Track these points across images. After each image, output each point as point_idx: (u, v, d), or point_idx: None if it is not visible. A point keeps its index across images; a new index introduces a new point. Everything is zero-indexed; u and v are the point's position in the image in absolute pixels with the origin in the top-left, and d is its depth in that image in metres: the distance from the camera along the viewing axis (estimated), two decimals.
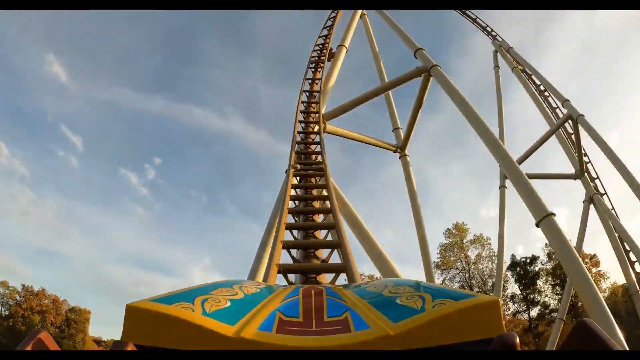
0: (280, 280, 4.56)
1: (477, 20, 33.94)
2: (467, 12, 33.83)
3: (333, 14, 21.74)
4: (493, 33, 32.77)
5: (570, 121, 23.05)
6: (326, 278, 5.10)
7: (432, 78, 13.98)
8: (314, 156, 10.06)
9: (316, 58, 17.68)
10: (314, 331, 1.54)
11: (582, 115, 21.87)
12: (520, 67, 29.36)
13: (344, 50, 16.77)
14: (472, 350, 1.38)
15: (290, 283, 4.68)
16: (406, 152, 18.72)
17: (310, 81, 15.83)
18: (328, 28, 20.32)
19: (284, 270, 4.66)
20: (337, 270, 4.92)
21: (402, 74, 15.10)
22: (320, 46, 18.80)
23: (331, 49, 17.99)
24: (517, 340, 1.21)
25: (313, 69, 16.81)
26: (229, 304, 1.68)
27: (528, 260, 52.01)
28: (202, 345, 1.42)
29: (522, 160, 23.94)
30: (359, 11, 20.41)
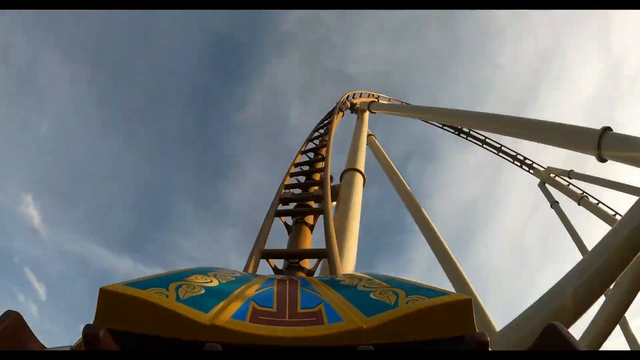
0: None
1: (517, 156, 24.81)
2: (503, 148, 24.36)
3: (324, 124, 13.35)
4: (534, 165, 24.74)
5: None
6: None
7: None
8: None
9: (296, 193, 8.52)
10: (287, 322, 1.55)
11: None
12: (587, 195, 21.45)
13: (361, 178, 9.49)
14: (444, 350, 1.40)
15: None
16: None
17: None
18: (317, 140, 11.65)
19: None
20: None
21: None
22: (307, 169, 9.53)
23: (331, 178, 9.02)
24: (488, 339, 1.24)
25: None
26: (203, 291, 1.67)
27: None
28: (175, 332, 1.41)
29: None
30: (365, 127, 15.69)
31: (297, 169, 8.89)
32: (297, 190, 7.49)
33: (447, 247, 13.38)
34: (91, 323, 1.35)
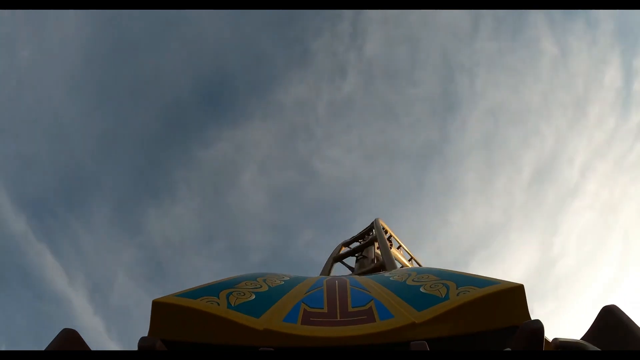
0: None
1: None
2: None
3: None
4: None
5: None
6: None
7: None
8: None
9: None
10: (339, 321, 1.55)
11: None
12: None
13: None
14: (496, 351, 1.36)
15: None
16: None
17: None
18: None
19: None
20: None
21: None
22: None
23: None
24: (543, 326, 1.19)
25: None
26: (253, 296, 1.71)
27: None
28: (229, 339, 1.44)
29: None
30: None
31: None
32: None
33: None
34: (146, 335, 1.41)
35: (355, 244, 10.00)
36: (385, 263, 6.65)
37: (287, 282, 2.10)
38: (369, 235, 11.24)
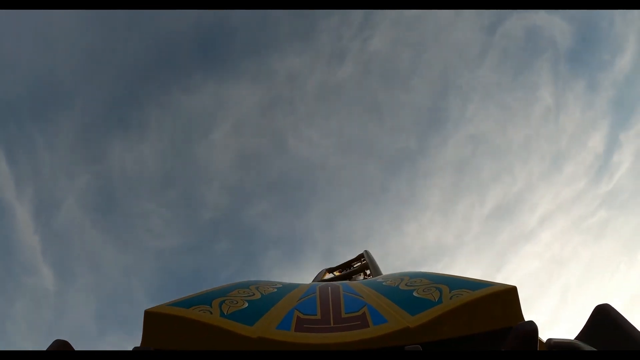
0: None
1: None
2: None
3: None
4: None
5: None
6: None
7: None
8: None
9: None
10: (333, 327, 1.54)
11: None
12: None
13: None
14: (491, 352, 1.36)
15: None
16: None
17: None
18: None
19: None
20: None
21: None
22: None
23: None
24: (537, 327, 1.20)
25: None
26: (246, 304, 1.70)
27: None
28: (222, 347, 1.43)
29: None
30: None
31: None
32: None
33: None
34: (139, 346, 1.39)
35: (336, 273, 10.04)
36: None
37: (280, 289, 2.09)
38: (353, 266, 10.95)
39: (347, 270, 9.48)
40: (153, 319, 1.48)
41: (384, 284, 2.15)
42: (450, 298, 1.53)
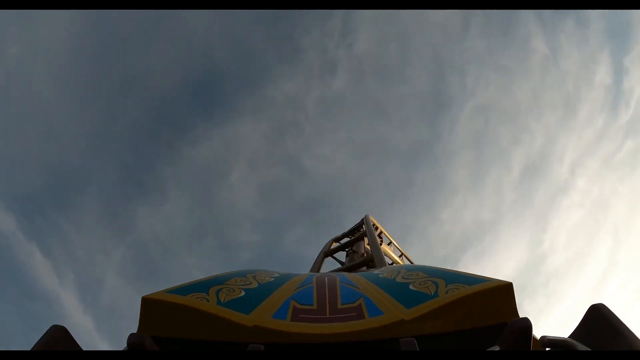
0: None
1: None
2: None
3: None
4: None
5: None
6: None
7: None
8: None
9: None
10: (328, 318, 1.55)
11: None
12: None
13: None
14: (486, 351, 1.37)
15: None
16: None
17: None
18: None
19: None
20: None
21: None
22: None
23: None
24: (531, 324, 1.20)
25: None
26: (243, 293, 1.70)
27: None
28: (218, 335, 1.44)
29: None
30: None
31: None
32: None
33: None
34: (135, 332, 1.40)
35: (346, 239, 10.18)
36: (375, 258, 6.75)
37: (277, 278, 2.09)
38: (359, 231, 11.33)
39: (352, 237, 9.49)
40: (150, 306, 1.49)
41: (380, 276, 2.15)
42: (446, 292, 1.54)
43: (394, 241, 17.88)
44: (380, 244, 19.62)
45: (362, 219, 11.56)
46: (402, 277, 1.90)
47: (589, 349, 1.16)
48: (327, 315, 1.58)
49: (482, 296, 1.46)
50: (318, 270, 5.36)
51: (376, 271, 2.40)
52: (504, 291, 1.47)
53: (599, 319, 1.17)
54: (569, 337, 1.28)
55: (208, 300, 1.55)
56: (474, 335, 1.42)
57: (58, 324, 1.35)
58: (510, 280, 1.49)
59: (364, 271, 3.38)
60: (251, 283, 1.86)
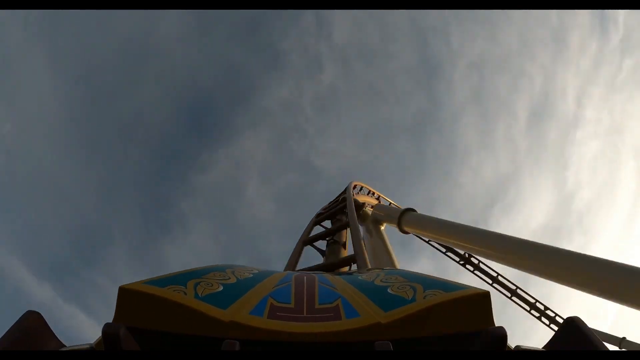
0: None
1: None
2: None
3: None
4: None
5: None
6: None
7: None
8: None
9: None
10: (305, 317, 1.55)
11: None
12: None
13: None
14: (460, 351, 1.39)
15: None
16: None
17: None
18: None
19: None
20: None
21: None
22: None
23: None
24: (506, 333, 1.23)
25: None
26: (221, 287, 1.69)
27: None
28: (194, 329, 1.42)
29: None
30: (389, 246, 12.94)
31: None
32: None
33: None
34: (110, 322, 1.38)
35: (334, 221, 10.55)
36: (351, 225, 6.64)
37: (256, 275, 2.08)
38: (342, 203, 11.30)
39: (334, 209, 9.64)
40: (127, 296, 1.47)
41: (359, 278, 2.16)
42: (424, 297, 1.55)
43: (382, 195, 18.47)
44: (378, 199, 19.75)
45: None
46: (381, 281, 1.91)
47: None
48: (304, 315, 1.58)
49: (459, 303, 1.48)
50: (297, 260, 5.28)
51: (355, 273, 2.41)
52: (481, 299, 1.49)
53: (573, 332, 1.19)
54: (542, 347, 1.31)
55: (186, 294, 1.53)
56: (450, 341, 1.44)
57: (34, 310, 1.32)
58: (487, 290, 1.52)
59: (344, 272, 3.40)
60: (230, 278, 1.85)
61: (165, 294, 1.49)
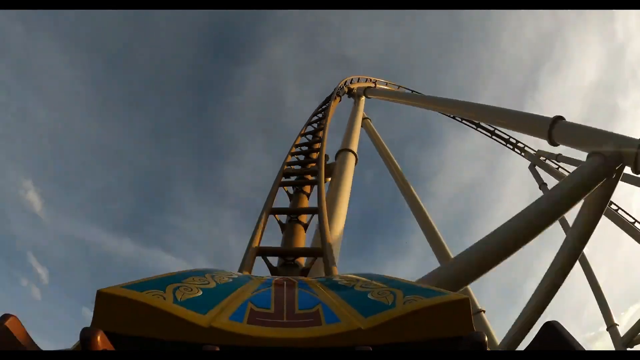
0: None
1: (510, 140, 25.01)
2: (497, 131, 24.37)
3: (322, 108, 14.80)
4: (526, 149, 25.10)
5: None
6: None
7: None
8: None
9: (297, 168, 9.48)
10: (285, 323, 1.54)
11: None
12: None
13: (353, 158, 10.54)
14: (441, 350, 1.40)
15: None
16: None
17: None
18: (316, 124, 13.06)
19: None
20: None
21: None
22: (306, 148, 10.48)
23: (327, 158, 10.30)
24: (486, 339, 1.24)
25: (292, 190, 9.27)
26: (200, 292, 1.67)
27: None
28: (173, 334, 1.40)
29: None
30: (360, 112, 16.56)
31: (297, 149, 9.83)
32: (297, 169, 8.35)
33: (434, 226, 15.68)
34: (88, 326, 1.35)
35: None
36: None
37: (236, 280, 2.07)
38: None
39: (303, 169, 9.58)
40: (105, 300, 1.44)
41: (339, 283, 2.17)
42: (404, 303, 1.56)
43: (379, 80, 22.80)
44: (374, 83, 22.88)
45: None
46: (361, 286, 1.92)
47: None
48: (284, 320, 1.57)
49: (438, 309, 1.50)
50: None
51: (335, 278, 2.42)
52: (461, 305, 1.51)
53: (552, 337, 1.22)
54: (524, 349, 1.33)
55: (165, 298, 1.51)
56: (430, 346, 1.45)
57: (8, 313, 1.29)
58: (466, 296, 1.54)
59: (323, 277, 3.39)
60: (209, 283, 1.83)
61: (143, 298, 1.46)
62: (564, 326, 1.22)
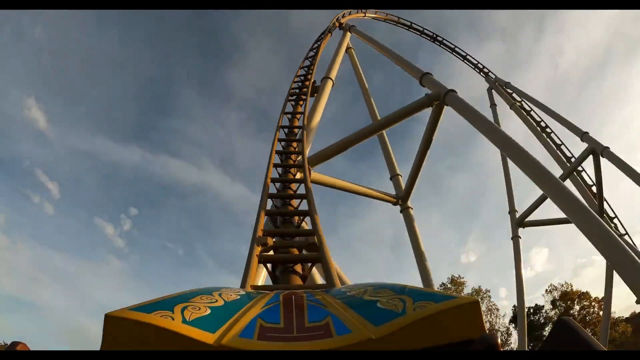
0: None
1: (467, 57, 31.26)
2: (456, 49, 30.99)
3: (316, 45, 19.47)
4: (485, 69, 30.60)
5: (591, 156, 20.05)
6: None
7: (445, 107, 11.71)
8: (296, 219, 7.01)
9: (297, 90, 14.49)
10: (296, 337, 1.53)
11: (608, 147, 19.71)
12: (519, 103, 27.54)
13: (330, 83, 14.35)
14: (456, 351, 1.39)
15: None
16: (409, 203, 14.77)
17: (290, 116, 12.54)
18: (310, 59, 17.46)
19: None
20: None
21: (407, 105, 12.33)
22: (302, 77, 15.81)
23: (314, 82, 15.10)
24: (499, 340, 1.23)
25: (294, 102, 13.68)
26: (209, 311, 1.66)
27: (532, 311, 48.59)
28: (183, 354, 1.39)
29: (534, 208, 21.19)
30: (345, 44, 18.67)
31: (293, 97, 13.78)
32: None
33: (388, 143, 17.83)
34: (98, 350, 1.34)
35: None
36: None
37: (243, 297, 2.06)
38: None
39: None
40: (113, 323, 1.43)
41: (347, 294, 2.15)
42: (414, 310, 1.55)
43: (369, 10, 26.72)
44: (364, 13, 26.74)
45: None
46: (370, 295, 1.90)
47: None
48: (294, 334, 1.56)
49: (449, 313, 1.48)
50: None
51: (343, 289, 2.40)
52: (471, 308, 1.50)
53: (567, 334, 1.21)
54: (537, 348, 1.32)
55: (173, 319, 1.50)
56: (442, 350, 1.44)
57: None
58: (476, 298, 1.52)
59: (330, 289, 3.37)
60: (217, 301, 1.82)
61: (152, 319, 1.45)
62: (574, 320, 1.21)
